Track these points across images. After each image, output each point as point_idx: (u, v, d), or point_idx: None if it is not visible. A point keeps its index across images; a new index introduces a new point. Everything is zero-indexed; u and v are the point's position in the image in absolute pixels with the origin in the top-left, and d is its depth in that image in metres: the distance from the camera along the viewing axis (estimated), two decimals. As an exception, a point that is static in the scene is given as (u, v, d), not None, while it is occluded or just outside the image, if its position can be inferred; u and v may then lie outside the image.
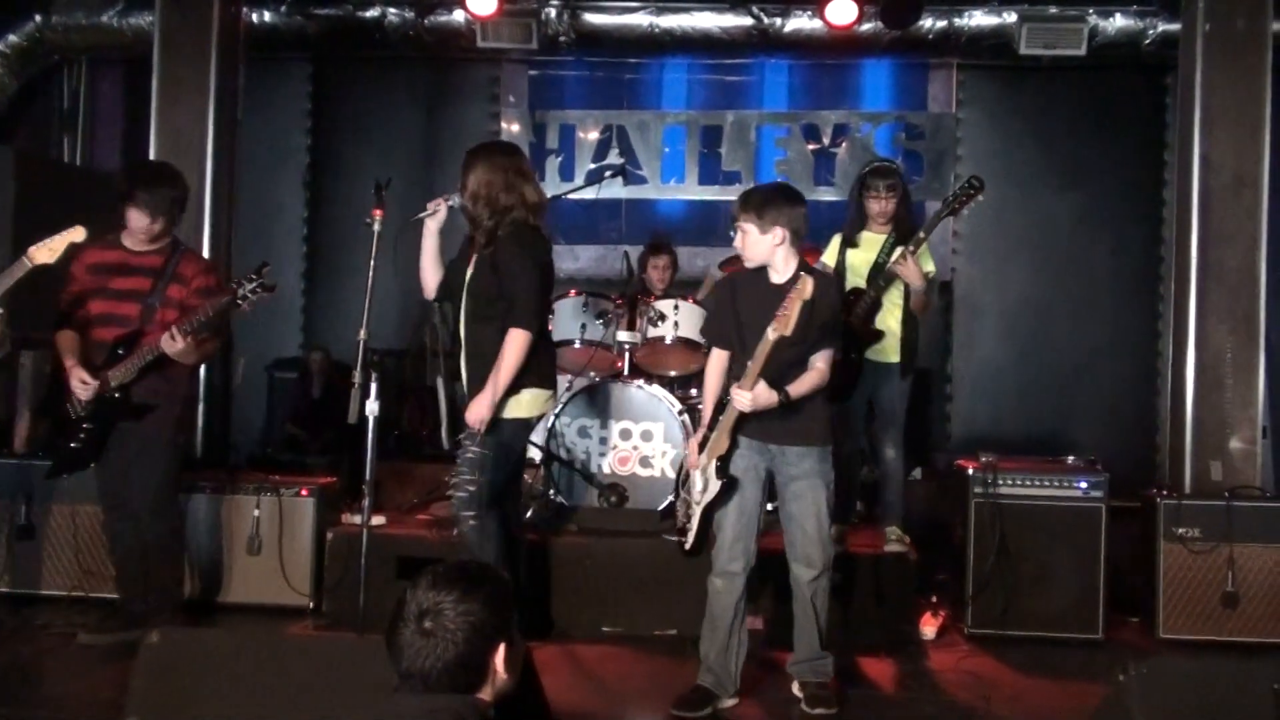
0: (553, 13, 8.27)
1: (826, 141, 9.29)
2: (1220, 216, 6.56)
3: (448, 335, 5.31)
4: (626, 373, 6.58)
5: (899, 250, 5.73)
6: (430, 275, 5.27)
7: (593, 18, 8.36)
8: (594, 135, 9.38)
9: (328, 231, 9.39)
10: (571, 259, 9.33)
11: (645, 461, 6.40)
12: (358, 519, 5.27)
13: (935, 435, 9.14)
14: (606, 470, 6.38)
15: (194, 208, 6.91)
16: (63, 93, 9.21)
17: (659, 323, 6.56)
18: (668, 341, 6.61)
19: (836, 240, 6.02)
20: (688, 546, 4.83)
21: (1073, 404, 8.98)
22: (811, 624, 4.71)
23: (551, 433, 6.39)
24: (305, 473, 6.73)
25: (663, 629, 5.73)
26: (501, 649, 2.49)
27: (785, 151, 9.33)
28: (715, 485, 4.64)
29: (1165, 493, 6.04)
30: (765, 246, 4.64)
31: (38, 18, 8.44)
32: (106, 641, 5.28)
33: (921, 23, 8.12)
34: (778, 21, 8.29)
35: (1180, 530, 5.81)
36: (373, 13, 8.36)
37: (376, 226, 5.00)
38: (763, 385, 4.43)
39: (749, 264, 4.77)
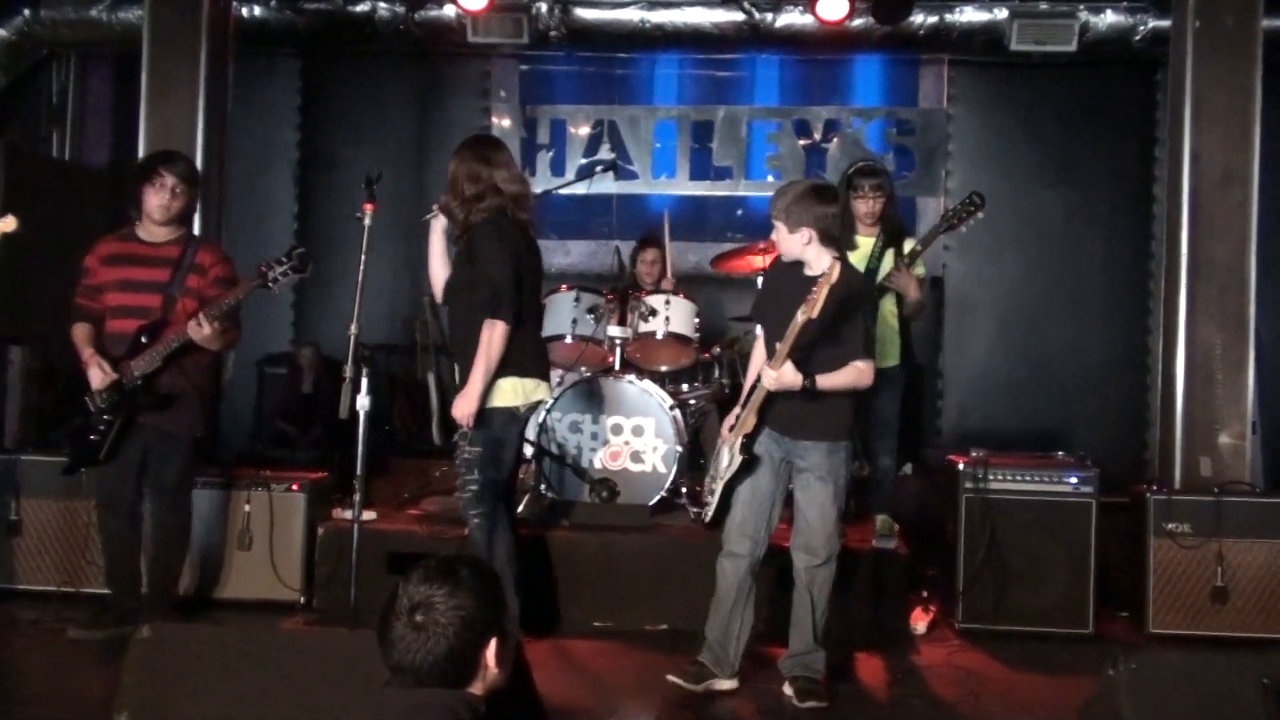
0: (543, 7, 8.27)
1: (818, 137, 9.30)
2: (1210, 212, 6.58)
3: (438, 330, 5.33)
4: (618, 368, 6.58)
5: (893, 262, 5.78)
6: (439, 276, 5.25)
7: (583, 12, 8.35)
8: (585, 130, 9.38)
9: (318, 227, 9.37)
10: (563, 254, 9.34)
11: (636, 457, 6.40)
12: (349, 514, 5.26)
13: (926, 431, 9.15)
14: (598, 465, 6.39)
15: (184, 203, 6.92)
16: (52, 87, 9.18)
17: (650, 318, 6.56)
18: (659, 337, 6.61)
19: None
20: (706, 519, 4.92)
21: (1063, 400, 9.00)
22: (807, 614, 4.75)
23: (542, 428, 6.40)
24: (296, 468, 6.71)
25: (654, 624, 5.73)
26: (493, 643, 2.49)
27: (776, 147, 9.34)
28: (737, 460, 4.72)
29: (1155, 488, 6.05)
30: (795, 245, 4.73)
31: (26, 12, 8.42)
32: (97, 637, 5.27)
33: (913, 18, 8.13)
34: (769, 17, 8.29)
35: (1170, 525, 5.83)
36: (363, 7, 8.35)
37: (367, 221, 4.99)
38: (789, 366, 4.52)
39: (784, 259, 4.87)
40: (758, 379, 4.73)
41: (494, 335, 4.90)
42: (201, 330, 5.06)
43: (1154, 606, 5.83)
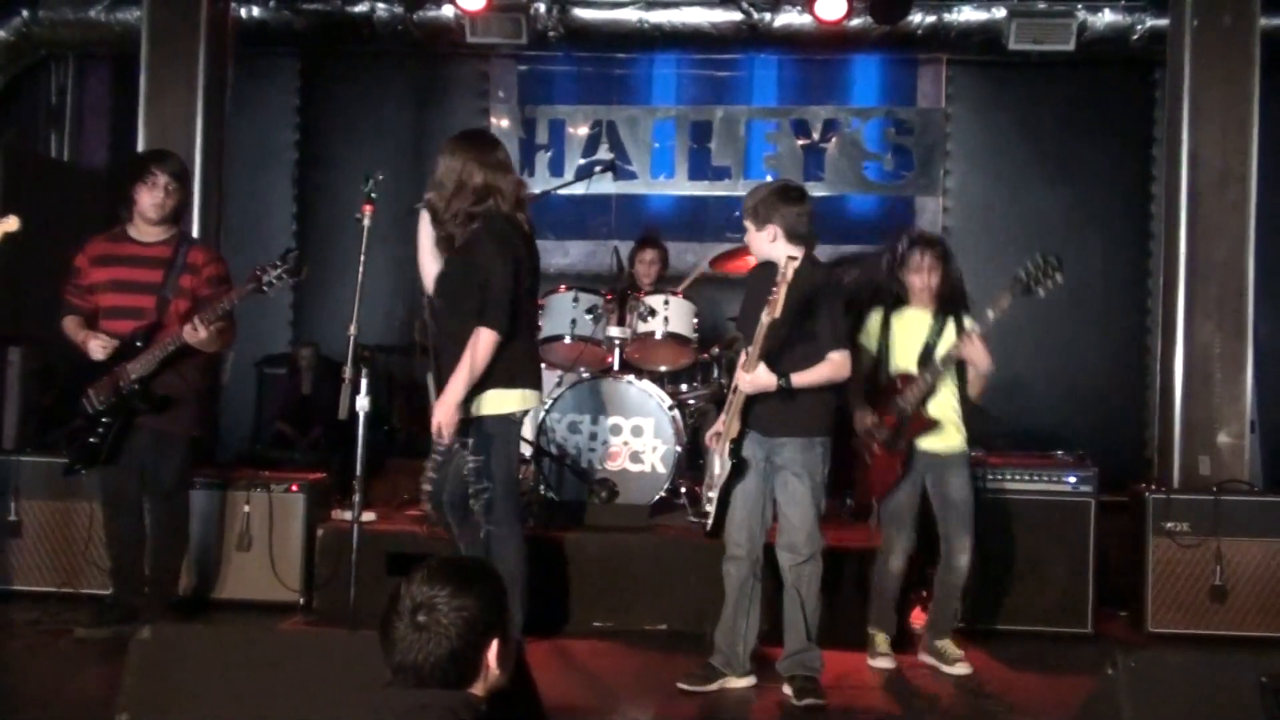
0: (542, 8, 8.27)
1: (816, 137, 9.30)
2: (1208, 212, 6.59)
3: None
4: (616, 368, 6.59)
5: (964, 329, 5.15)
6: (430, 270, 5.00)
7: (582, 13, 8.35)
8: (584, 130, 9.38)
9: (317, 227, 9.36)
10: (561, 254, 9.34)
11: (636, 457, 6.41)
12: (348, 515, 5.25)
13: (924, 430, 9.14)
14: (597, 466, 6.40)
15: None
16: (50, 88, 9.18)
17: (649, 318, 6.56)
18: (658, 337, 6.61)
19: (876, 318, 5.32)
20: (708, 529, 4.93)
21: (1062, 399, 9.00)
22: (798, 612, 4.76)
23: (542, 428, 6.40)
24: (295, 469, 6.72)
25: (654, 624, 5.74)
26: (495, 644, 2.49)
27: (775, 147, 9.34)
28: (728, 466, 4.75)
29: (1154, 487, 6.06)
30: (762, 244, 4.80)
31: (25, 13, 8.42)
32: (103, 636, 5.28)
33: (911, 18, 8.13)
34: (767, 16, 8.29)
35: (1169, 525, 5.84)
36: (361, 8, 8.35)
37: (366, 222, 4.97)
38: (762, 367, 4.57)
39: (756, 260, 4.95)
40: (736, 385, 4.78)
41: (483, 343, 4.70)
42: (197, 335, 5.06)
43: (1153, 605, 5.84)
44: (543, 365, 6.79)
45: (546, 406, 6.43)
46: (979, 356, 5.11)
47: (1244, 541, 5.82)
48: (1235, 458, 6.47)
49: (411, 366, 8.25)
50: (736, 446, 4.73)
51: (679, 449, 6.33)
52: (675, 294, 6.73)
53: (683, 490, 6.35)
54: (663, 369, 6.97)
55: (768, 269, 4.81)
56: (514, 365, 4.84)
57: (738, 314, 5.27)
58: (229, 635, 3.71)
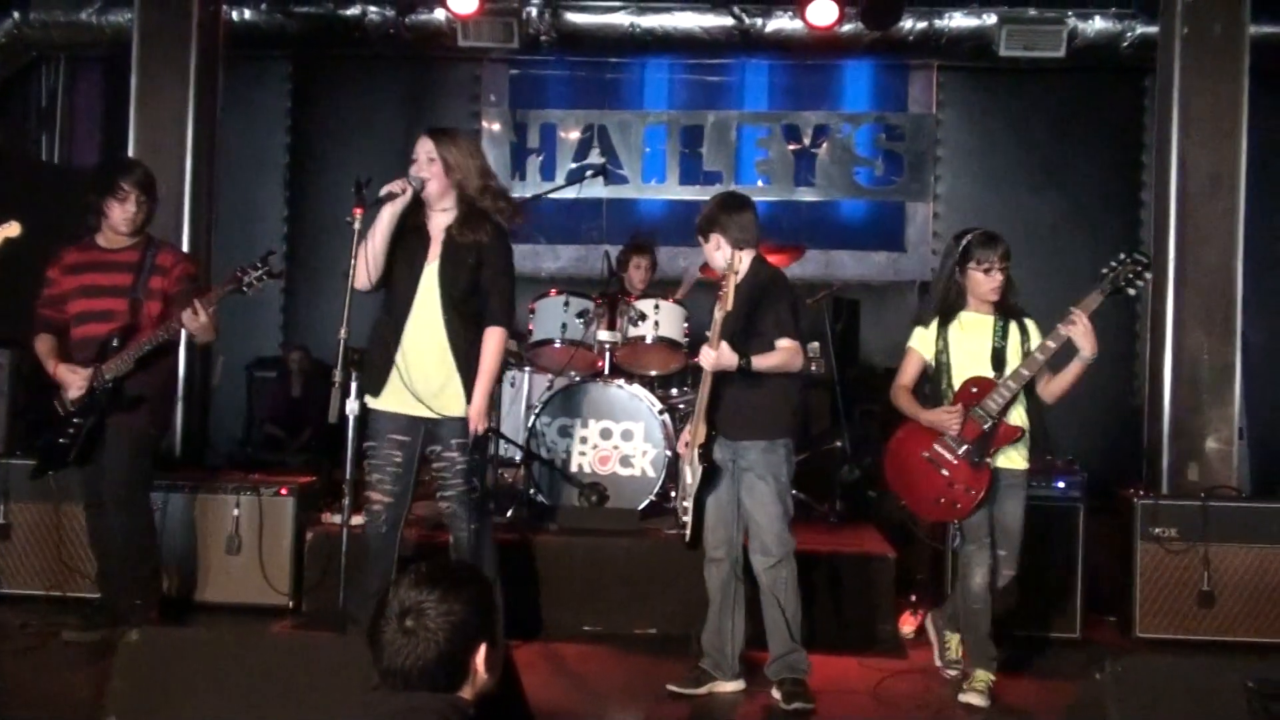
0: (534, 12, 8.28)
1: (807, 142, 9.33)
2: (1198, 218, 6.61)
3: None
4: (607, 372, 6.59)
5: (1020, 338, 4.79)
6: (379, 263, 4.73)
7: (574, 17, 8.37)
8: (575, 135, 9.40)
9: (308, 230, 9.37)
10: (552, 258, 9.36)
11: (626, 461, 6.41)
12: (338, 518, 5.25)
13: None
14: (587, 469, 6.40)
15: (173, 207, 6.92)
16: (41, 90, 9.18)
17: (639, 322, 6.57)
18: (648, 341, 6.61)
19: (933, 328, 4.96)
20: (687, 538, 4.90)
21: (1051, 404, 9.00)
22: (778, 615, 4.76)
23: (532, 432, 6.40)
24: (285, 472, 6.71)
25: (643, 627, 5.74)
26: (483, 649, 2.49)
27: (766, 152, 9.37)
28: (699, 471, 4.75)
29: (1142, 493, 6.07)
30: (712, 254, 4.89)
31: (15, 14, 8.43)
32: (91, 639, 5.26)
33: (902, 24, 8.16)
34: (759, 22, 8.31)
35: (1157, 530, 5.85)
36: (353, 11, 8.36)
37: (357, 225, 4.96)
38: (725, 346, 4.62)
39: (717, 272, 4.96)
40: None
41: (499, 342, 4.77)
42: (198, 320, 5.06)
43: (1141, 610, 5.85)
44: (533, 369, 6.88)
45: (537, 410, 6.44)
46: (1085, 339, 4.61)
47: (1232, 547, 5.83)
48: (1224, 464, 6.49)
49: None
50: (706, 451, 4.73)
51: (669, 453, 6.33)
52: (665, 298, 6.74)
53: (672, 494, 6.35)
54: (653, 373, 6.97)
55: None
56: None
57: None
58: (217, 638, 3.70)
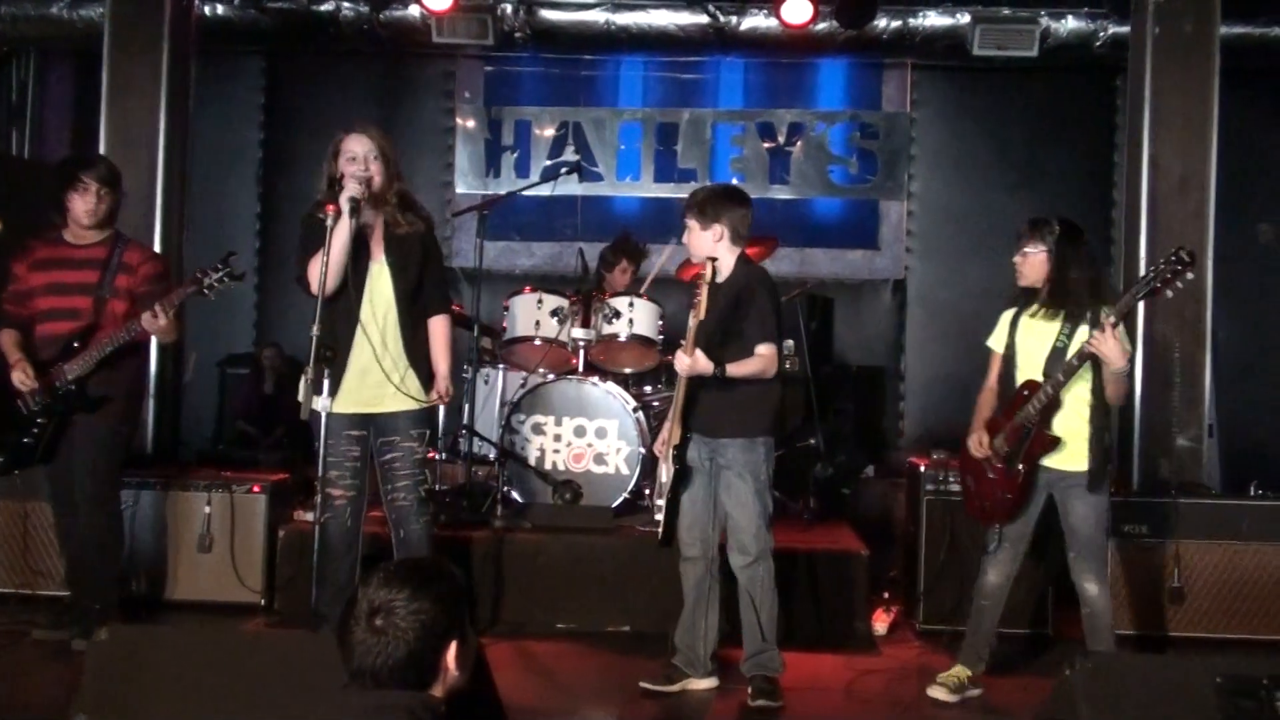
0: (509, 9, 8.26)
1: (782, 140, 9.34)
2: (1168, 217, 6.66)
3: None
4: (581, 370, 6.58)
5: (1102, 318, 4.44)
6: (340, 273, 4.68)
7: (549, 14, 8.35)
8: (550, 132, 9.39)
9: (281, 227, 9.32)
10: (527, 255, 9.35)
11: (600, 458, 6.41)
12: (310, 515, 5.24)
13: (888, 433, 9.21)
14: (561, 467, 6.40)
15: (144, 203, 6.88)
16: (11, 84, 9.10)
17: (614, 320, 6.56)
18: (622, 339, 6.61)
19: (1003, 322, 4.93)
20: (660, 536, 4.91)
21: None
22: (752, 614, 4.78)
23: (506, 429, 6.40)
24: (257, 469, 6.68)
25: (616, 625, 5.74)
26: (453, 646, 2.49)
27: (741, 149, 9.37)
28: (670, 471, 4.76)
29: (1113, 490, 6.09)
30: (707, 243, 4.81)
31: (-14, 8, 8.34)
32: (61, 637, 5.23)
33: (876, 22, 8.17)
34: (734, 20, 8.31)
35: (1127, 527, 5.87)
36: (327, 7, 8.31)
37: (330, 222, 4.95)
38: (699, 353, 4.59)
39: (694, 259, 4.95)
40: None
41: (450, 328, 4.91)
42: (158, 322, 5.03)
43: (1112, 607, 5.87)
44: (507, 366, 6.87)
45: (510, 408, 6.44)
46: (1111, 351, 4.37)
47: (1202, 544, 5.87)
48: (1194, 461, 6.54)
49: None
50: (680, 451, 4.74)
51: (643, 450, 6.33)
52: (640, 296, 6.73)
53: (647, 492, 6.36)
54: (627, 371, 6.97)
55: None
56: None
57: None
58: (188, 636, 3.70)
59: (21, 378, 5.12)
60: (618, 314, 6.57)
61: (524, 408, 6.45)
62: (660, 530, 4.87)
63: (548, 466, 6.38)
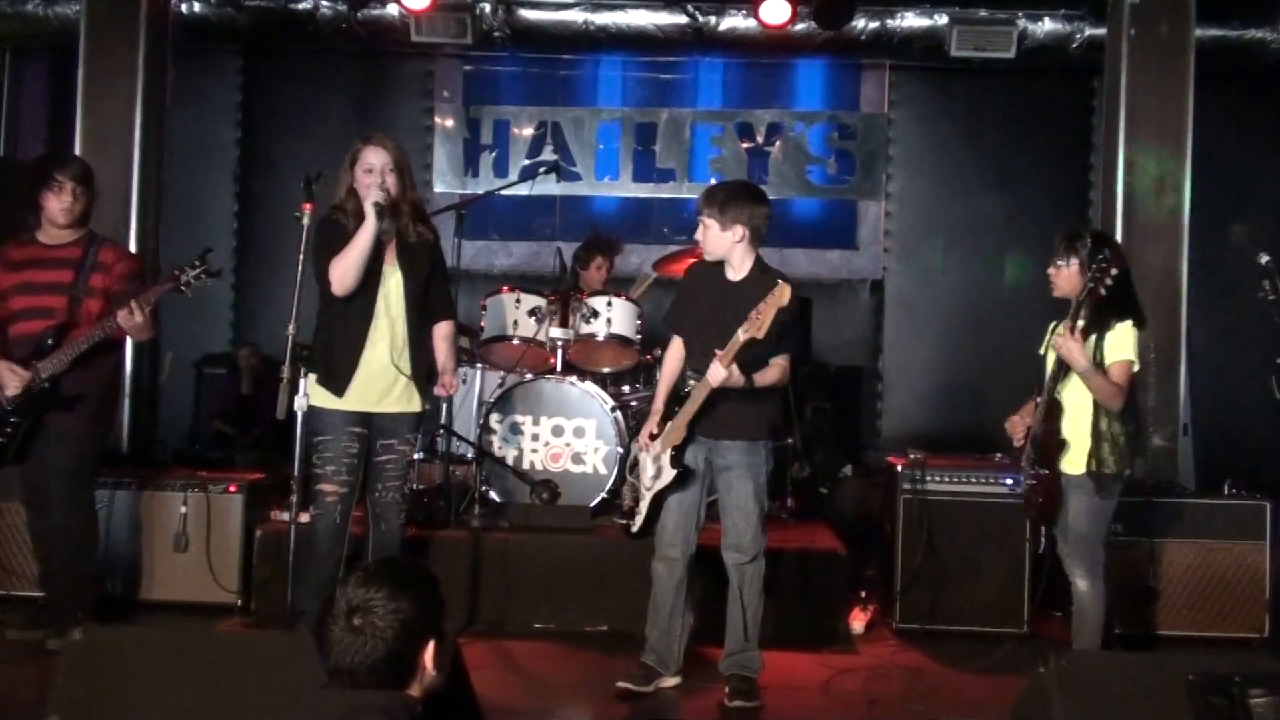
0: (487, 8, 8.24)
1: (760, 140, 9.36)
2: (1144, 218, 6.70)
3: None
4: (559, 369, 6.58)
5: (1064, 324, 4.64)
6: (360, 274, 4.82)
7: (527, 13, 8.33)
8: (528, 131, 9.38)
9: (258, 226, 9.30)
10: (505, 255, 9.34)
11: (577, 458, 6.41)
12: (287, 515, 5.22)
13: (866, 433, 9.24)
14: (539, 467, 6.39)
15: (120, 202, 6.85)
16: (-15, 82, 9.04)
17: (592, 319, 6.57)
18: (600, 338, 6.61)
19: (1049, 330, 5.02)
20: (634, 529, 4.93)
21: (1002, 402, 9.03)
22: (739, 613, 4.79)
23: (484, 429, 6.39)
24: (234, 469, 6.66)
25: (594, 625, 5.74)
26: (431, 646, 2.49)
27: (719, 150, 9.38)
28: (670, 474, 4.74)
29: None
30: (725, 242, 4.75)
31: (-41, 5, 8.28)
32: (35, 637, 5.20)
33: (854, 23, 8.19)
34: (712, 20, 8.32)
35: (1103, 526, 5.90)
36: (305, 5, 8.28)
37: (306, 220, 4.94)
38: (735, 367, 4.51)
39: (709, 257, 4.88)
40: (679, 390, 4.77)
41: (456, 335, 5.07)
42: (133, 319, 5.00)
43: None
44: (485, 366, 6.87)
45: (488, 407, 6.43)
46: (1069, 353, 4.56)
47: (1176, 543, 5.91)
48: (1169, 460, 6.58)
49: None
50: (679, 454, 4.73)
51: (621, 450, 6.34)
52: (618, 295, 6.74)
53: (625, 491, 6.36)
54: (605, 370, 6.97)
55: (711, 269, 4.87)
56: None
57: (668, 316, 5.10)
58: (163, 637, 3.67)
59: (9, 375, 5.08)
60: (596, 313, 6.58)
61: (502, 407, 6.44)
62: (639, 522, 4.89)
63: (525, 466, 6.38)
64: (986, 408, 8.95)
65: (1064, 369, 4.69)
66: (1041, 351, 5.02)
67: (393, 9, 8.20)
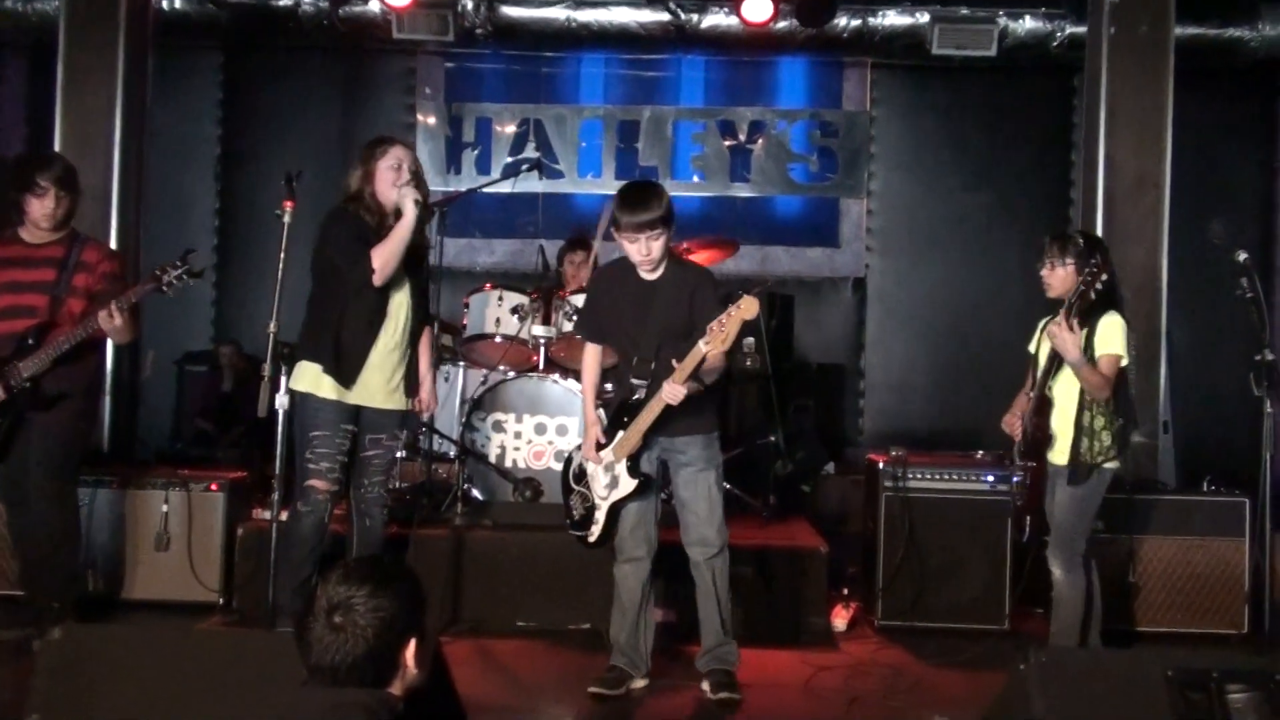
0: (469, 5, 8.23)
1: (742, 138, 9.37)
2: (1124, 216, 6.73)
3: None
4: (541, 367, 6.57)
5: (1060, 314, 4.70)
6: (399, 261, 4.89)
7: (510, 10, 8.33)
8: (511, 128, 9.37)
9: (239, 224, 9.27)
10: (487, 253, 9.33)
11: (560, 456, 6.39)
12: (268, 513, 5.21)
13: (848, 430, 9.26)
14: (521, 465, 6.39)
15: (101, 200, 6.81)
16: (-36, 79, 9.00)
17: (574, 317, 6.55)
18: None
19: (1038, 328, 5.11)
20: (592, 540, 4.90)
21: (984, 399, 9.07)
22: (714, 607, 4.79)
23: (466, 427, 6.38)
24: (215, 467, 6.63)
25: (577, 623, 5.73)
26: (412, 644, 2.49)
27: (701, 147, 9.39)
28: (629, 483, 4.71)
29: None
30: (661, 247, 4.68)
31: (-63, 2, 8.23)
32: (16, 636, 5.18)
33: (836, 21, 8.21)
34: (695, 17, 8.33)
35: (1084, 522, 5.92)
36: (286, 2, 8.26)
37: (287, 218, 4.93)
38: (691, 384, 4.49)
39: (658, 268, 4.75)
40: (625, 398, 4.72)
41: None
42: (113, 321, 4.99)
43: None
44: (467, 364, 6.86)
45: (470, 405, 6.42)
46: (1063, 344, 4.64)
47: (1157, 539, 5.93)
48: (1149, 457, 6.61)
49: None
50: (635, 463, 4.71)
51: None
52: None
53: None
54: (588, 368, 6.96)
55: (618, 270, 4.84)
56: None
57: (580, 322, 5.11)
58: (144, 635, 3.65)
59: None
60: (578, 311, 6.56)
61: (484, 405, 6.43)
62: (597, 533, 4.86)
63: (508, 464, 6.38)
64: (968, 405, 9.04)
65: (1055, 364, 4.79)
66: (1032, 349, 5.09)
67: (374, 6, 8.20)
